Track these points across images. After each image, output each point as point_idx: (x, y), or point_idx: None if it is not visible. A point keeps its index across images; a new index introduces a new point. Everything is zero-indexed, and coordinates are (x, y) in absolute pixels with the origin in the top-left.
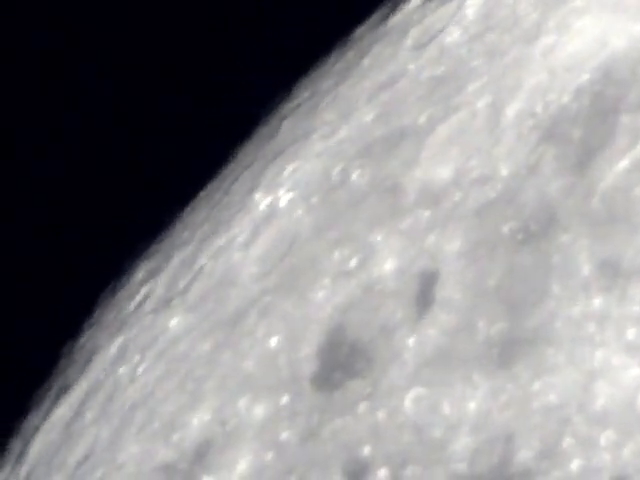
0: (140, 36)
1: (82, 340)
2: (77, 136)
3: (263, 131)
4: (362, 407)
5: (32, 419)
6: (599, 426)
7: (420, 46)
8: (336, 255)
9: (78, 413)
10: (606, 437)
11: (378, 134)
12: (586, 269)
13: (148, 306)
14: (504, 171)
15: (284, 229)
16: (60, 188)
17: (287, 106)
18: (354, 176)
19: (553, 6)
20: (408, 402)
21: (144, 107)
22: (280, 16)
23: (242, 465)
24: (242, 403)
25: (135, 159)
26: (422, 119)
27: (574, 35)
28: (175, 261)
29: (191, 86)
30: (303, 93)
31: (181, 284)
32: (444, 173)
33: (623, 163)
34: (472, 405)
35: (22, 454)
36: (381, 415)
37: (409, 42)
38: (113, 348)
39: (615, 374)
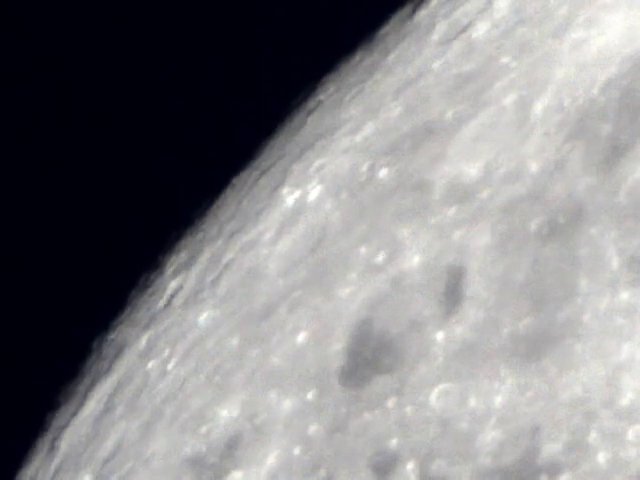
0: (168, 27)
1: (112, 335)
2: (107, 128)
3: (290, 126)
4: (390, 402)
5: (62, 413)
6: (626, 420)
7: (447, 41)
8: (364, 250)
9: (107, 407)
10: (633, 431)
11: (405, 130)
12: (614, 263)
13: (177, 301)
14: (532, 167)
15: (312, 224)
16: (91, 182)
17: (313, 101)
18: (382, 172)
19: (583, 1)
20: (435, 396)
21: (172, 99)
22: (306, 11)
23: (271, 459)
24: (270, 397)
25: (164, 154)
26: (449, 115)
27: (603, 30)
28: (204, 256)
29: (219, 80)
30: (329, 88)
31: (210, 279)
32: (472, 169)
33: None
34: (499, 399)
35: (52, 448)
36: (409, 409)
37: (436, 37)
38: (142, 343)
39: None
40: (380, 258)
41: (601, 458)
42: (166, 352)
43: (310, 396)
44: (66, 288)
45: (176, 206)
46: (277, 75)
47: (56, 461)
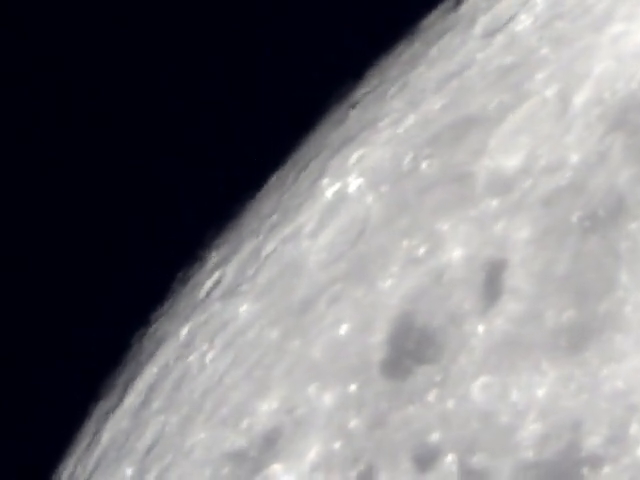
0: (168, 27)
1: (152, 327)
2: (107, 128)
3: (331, 118)
4: (431, 394)
5: (103, 405)
6: None
7: (489, 34)
8: (405, 243)
9: (147, 400)
10: None
11: (447, 122)
12: None
13: (217, 294)
14: (573, 159)
15: (353, 217)
16: (131, 176)
17: (355, 94)
18: (423, 164)
19: None
20: (476, 389)
21: (172, 99)
22: (350, 6)
23: (311, 453)
24: (311, 391)
25: (204, 148)
26: (491, 107)
27: None
28: (244, 249)
29: (219, 80)
30: (371, 81)
31: (250, 272)
32: (513, 161)
33: None
34: (540, 392)
35: (93, 440)
36: (450, 402)
37: (478, 30)
38: (182, 336)
39: None
40: (421, 251)
41: None
42: (205, 345)
43: (351, 389)
44: (107, 281)
45: (217, 200)
46: (320, 67)
47: (97, 453)
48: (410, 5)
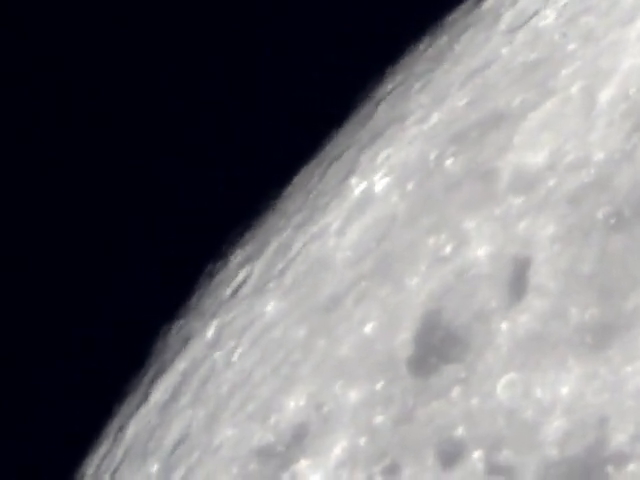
0: (168, 27)
1: (179, 324)
2: (107, 128)
3: (357, 116)
4: (456, 391)
5: (129, 401)
6: None
7: (513, 30)
8: (431, 241)
9: (174, 396)
10: None
11: (472, 119)
12: None
13: (244, 291)
14: (598, 156)
15: (379, 215)
16: (158, 172)
17: (381, 91)
18: (448, 162)
19: None
20: (502, 386)
21: (172, 99)
22: (376, 2)
23: (337, 449)
24: (337, 388)
25: (231, 145)
26: (515, 104)
27: None
28: (271, 247)
29: (219, 80)
30: (396, 78)
31: (277, 270)
32: (538, 158)
33: None
34: (565, 389)
35: (119, 435)
36: (475, 399)
37: (502, 26)
38: (209, 333)
39: None
40: (447, 249)
41: None
42: (232, 342)
43: (377, 386)
44: (134, 278)
45: (244, 197)
46: (345, 65)
47: (122, 449)
48: (435, 1)
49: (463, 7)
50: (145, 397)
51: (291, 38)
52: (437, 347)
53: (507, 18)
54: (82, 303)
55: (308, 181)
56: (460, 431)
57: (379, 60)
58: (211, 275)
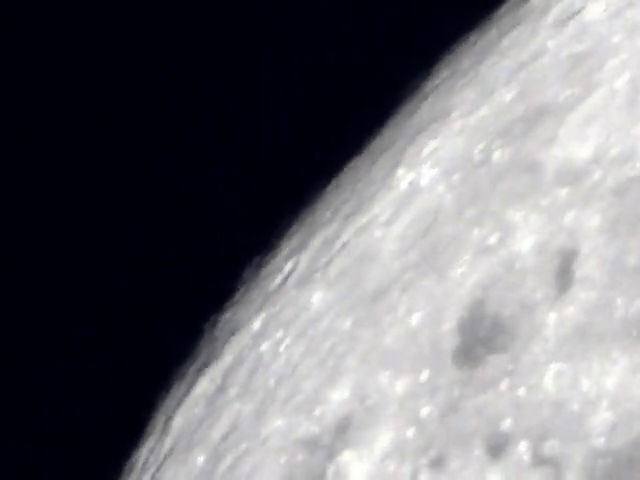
0: (168, 27)
1: (226, 316)
2: (107, 128)
3: (404, 109)
4: (503, 383)
5: (176, 393)
6: None
7: (560, 23)
8: (476, 232)
9: (221, 388)
10: None
11: (518, 112)
12: None
13: (291, 282)
14: None
15: (425, 206)
16: (204, 167)
17: (428, 84)
18: (495, 154)
19: None
20: (548, 378)
21: (172, 100)
22: None
23: (383, 440)
24: (383, 379)
25: (277, 139)
26: (562, 97)
27: None
28: (318, 238)
29: (219, 80)
30: (443, 72)
31: (323, 261)
32: (584, 151)
33: None
34: (611, 380)
35: (165, 428)
36: (522, 390)
37: (549, 20)
38: (256, 324)
39: None
40: (492, 240)
41: None
42: (279, 333)
43: (423, 377)
44: (179, 270)
45: (292, 189)
46: (392, 58)
47: (169, 441)
48: None
49: (511, 1)
50: (192, 389)
51: (339, 31)
52: (483, 338)
53: (554, 12)
54: (130, 298)
55: (355, 173)
56: (507, 422)
57: (426, 54)
58: (258, 267)
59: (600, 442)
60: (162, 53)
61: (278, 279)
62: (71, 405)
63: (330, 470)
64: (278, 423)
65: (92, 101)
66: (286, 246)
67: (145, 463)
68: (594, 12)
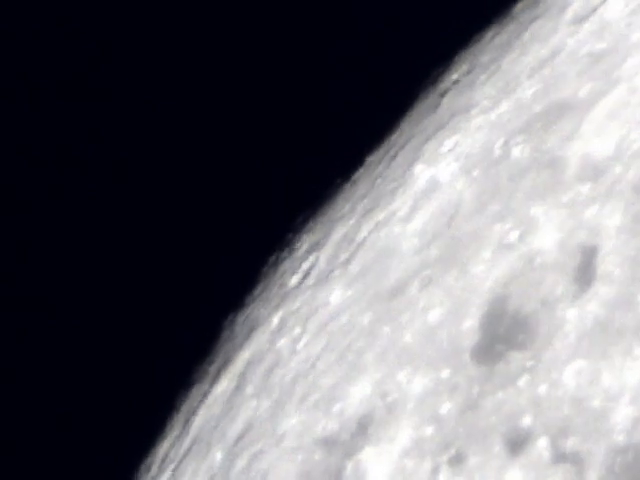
0: (168, 26)
1: (244, 313)
2: (107, 128)
3: (424, 104)
4: (523, 379)
5: (195, 392)
6: None
7: (580, 20)
8: (497, 228)
9: (239, 386)
10: None
11: (538, 108)
12: None
13: (309, 279)
14: None
15: (445, 202)
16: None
17: (447, 80)
18: (515, 150)
19: None
20: (568, 374)
21: (310, 79)
22: None
23: (402, 437)
24: (402, 376)
25: (298, 133)
26: (582, 93)
27: None
28: (336, 235)
29: (354, 61)
30: (462, 67)
31: (342, 257)
32: (604, 147)
33: None
34: (632, 376)
35: (185, 427)
36: (542, 387)
37: (569, 16)
38: (274, 321)
39: None
40: (513, 236)
41: None
42: (297, 330)
43: (443, 374)
44: (198, 268)
45: (309, 185)
46: (411, 54)
47: (188, 438)
48: None
49: None
50: (211, 387)
51: (358, 26)
52: (503, 335)
53: (574, 8)
54: (149, 297)
55: (374, 169)
56: (527, 419)
57: (445, 49)
58: (276, 263)
59: (621, 438)
60: (162, 53)
61: (297, 276)
62: (93, 403)
63: (348, 468)
64: (295, 421)
65: (92, 101)
66: (305, 242)
67: (164, 460)
68: (614, 9)
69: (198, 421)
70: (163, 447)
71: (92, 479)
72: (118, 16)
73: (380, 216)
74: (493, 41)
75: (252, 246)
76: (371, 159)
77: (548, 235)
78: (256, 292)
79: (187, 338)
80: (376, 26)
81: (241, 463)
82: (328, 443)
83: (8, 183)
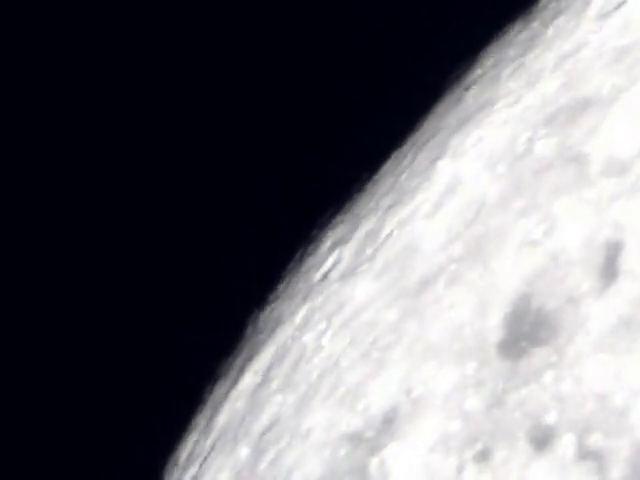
0: (168, 27)
1: (269, 309)
2: (107, 127)
3: (448, 99)
4: (547, 375)
5: (220, 387)
6: None
7: (604, 16)
8: (521, 224)
9: (264, 381)
10: None
11: (562, 103)
12: None
13: (334, 275)
14: None
15: (469, 198)
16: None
17: (471, 75)
18: (539, 145)
19: None
20: (592, 370)
21: (332, 75)
22: None
23: (428, 433)
24: (427, 372)
25: (321, 130)
26: (606, 88)
27: None
28: (361, 230)
29: (377, 57)
30: (487, 62)
31: (367, 253)
32: (629, 142)
33: None
34: None
35: (210, 422)
36: (566, 383)
37: (593, 12)
38: (299, 317)
39: None
40: (538, 233)
41: None
42: (322, 326)
43: (468, 370)
44: (224, 264)
45: (334, 181)
46: (436, 49)
47: (214, 434)
48: None
49: None
50: (236, 383)
51: (382, 21)
52: (527, 331)
53: (598, 4)
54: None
55: (398, 165)
56: (551, 415)
57: (470, 45)
58: (301, 259)
59: None
60: (162, 53)
61: (321, 271)
62: (120, 399)
63: (373, 464)
64: (320, 417)
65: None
66: (329, 238)
67: (191, 455)
68: (637, 6)
69: (223, 416)
70: (189, 442)
71: (118, 476)
72: (118, 16)
73: (404, 212)
74: (518, 36)
75: (277, 242)
76: (395, 155)
77: (573, 231)
78: (281, 288)
79: (212, 333)
80: (402, 20)
81: (267, 458)
82: (353, 439)
83: (8, 183)
